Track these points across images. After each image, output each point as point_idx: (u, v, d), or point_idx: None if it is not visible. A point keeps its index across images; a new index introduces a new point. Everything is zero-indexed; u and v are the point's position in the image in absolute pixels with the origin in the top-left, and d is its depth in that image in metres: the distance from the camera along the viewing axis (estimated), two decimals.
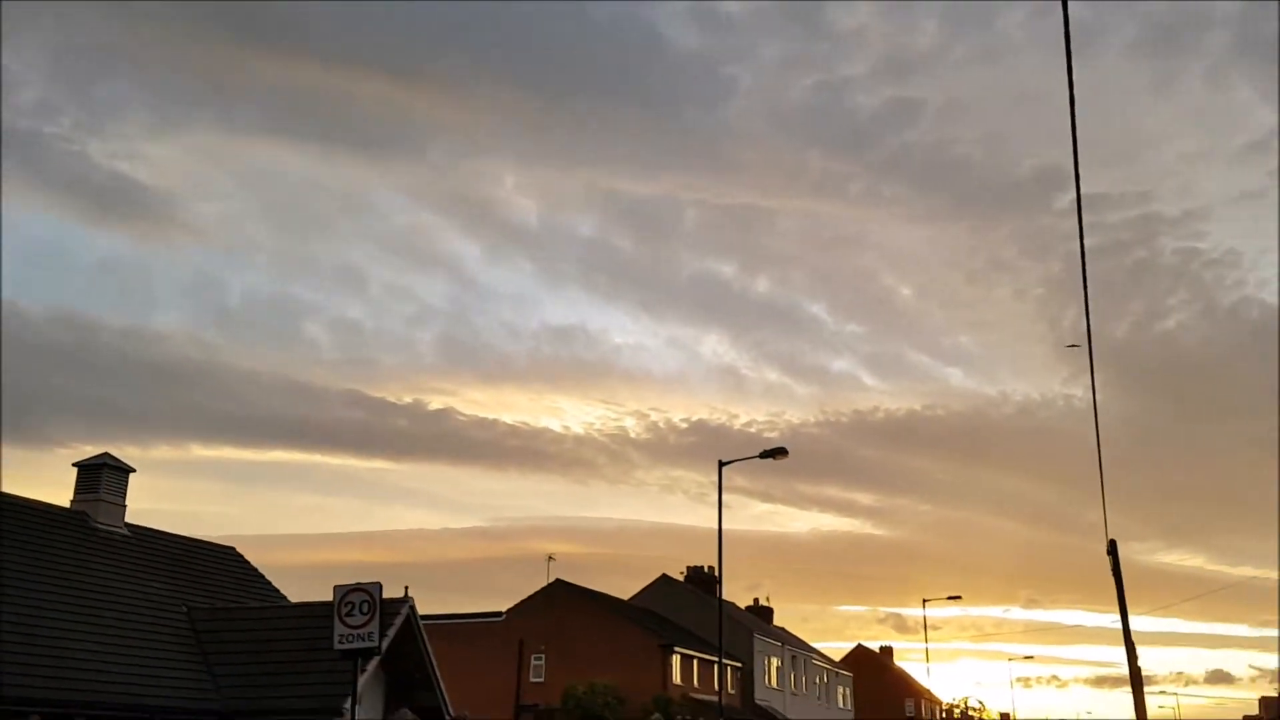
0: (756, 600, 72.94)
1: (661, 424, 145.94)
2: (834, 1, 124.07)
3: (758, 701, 56.65)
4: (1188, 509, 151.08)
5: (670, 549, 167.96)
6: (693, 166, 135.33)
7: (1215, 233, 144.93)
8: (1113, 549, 29.65)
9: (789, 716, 59.21)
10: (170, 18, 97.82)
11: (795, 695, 63.65)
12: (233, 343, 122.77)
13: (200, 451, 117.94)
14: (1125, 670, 30.26)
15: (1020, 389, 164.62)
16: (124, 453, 25.63)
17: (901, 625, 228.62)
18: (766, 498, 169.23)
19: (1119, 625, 30.34)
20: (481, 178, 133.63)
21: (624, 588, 60.39)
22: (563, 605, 49.87)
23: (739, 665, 55.93)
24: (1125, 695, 32.78)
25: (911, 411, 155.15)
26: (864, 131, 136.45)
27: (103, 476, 23.78)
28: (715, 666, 33.81)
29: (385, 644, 21.09)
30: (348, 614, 13.92)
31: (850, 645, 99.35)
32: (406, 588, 22.23)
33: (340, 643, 13.93)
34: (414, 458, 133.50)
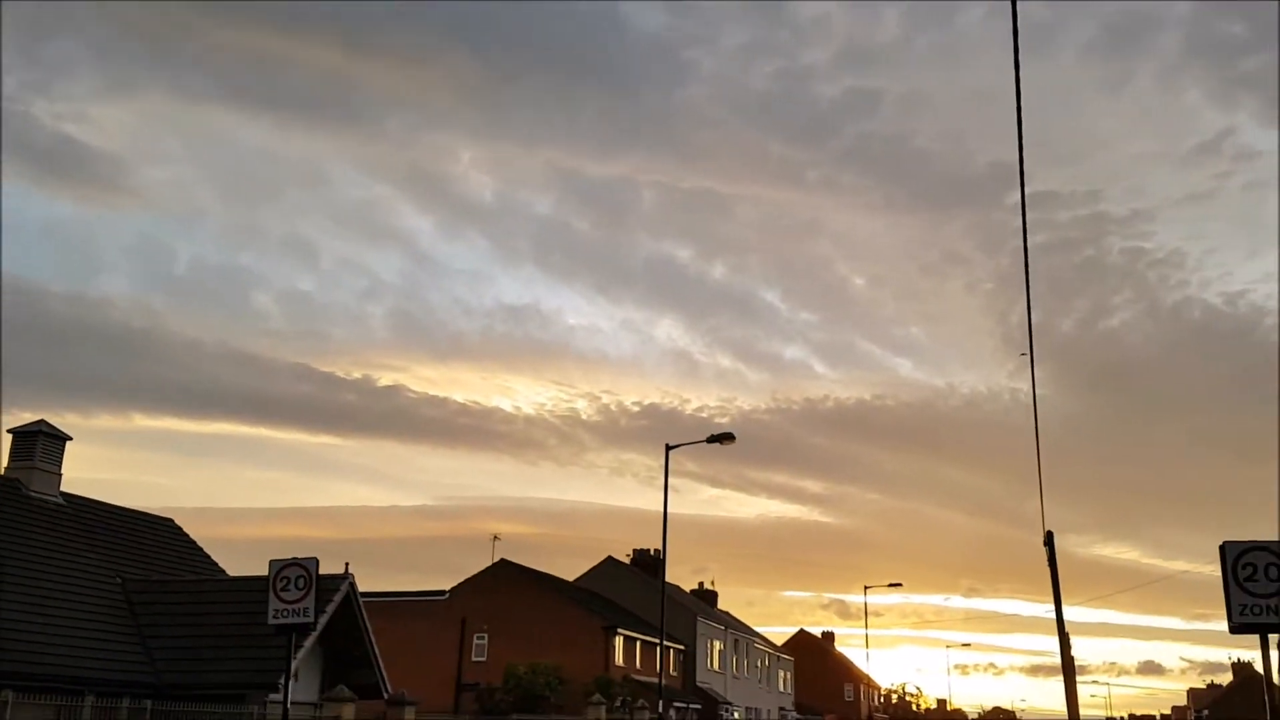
0: (702, 584, 73.43)
1: (613, 407, 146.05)
2: None
3: (699, 684, 57.10)
4: (1126, 503, 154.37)
5: (619, 532, 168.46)
6: (652, 149, 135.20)
7: (1161, 233, 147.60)
8: (1049, 540, 30.19)
9: (729, 699, 59.75)
10: None
11: (736, 678, 64.23)
12: (179, 311, 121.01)
13: (143, 421, 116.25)
14: (1060, 659, 30.88)
15: (968, 381, 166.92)
16: (64, 421, 25.26)
17: (845, 611, 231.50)
18: (716, 483, 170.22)
19: (1055, 615, 30.93)
20: (437, 152, 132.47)
21: (571, 569, 60.58)
22: (507, 585, 49.84)
23: (682, 648, 56.31)
24: (1060, 684, 33.46)
25: (861, 401, 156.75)
26: (824, 120, 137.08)
27: (38, 444, 23.36)
28: (657, 649, 33.98)
29: (323, 621, 20.98)
30: (283, 589, 13.81)
31: (794, 630, 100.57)
32: (347, 564, 22.14)
33: (275, 618, 13.82)
34: (362, 434, 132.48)
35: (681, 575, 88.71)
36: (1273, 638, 10.69)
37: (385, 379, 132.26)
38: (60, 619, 20.05)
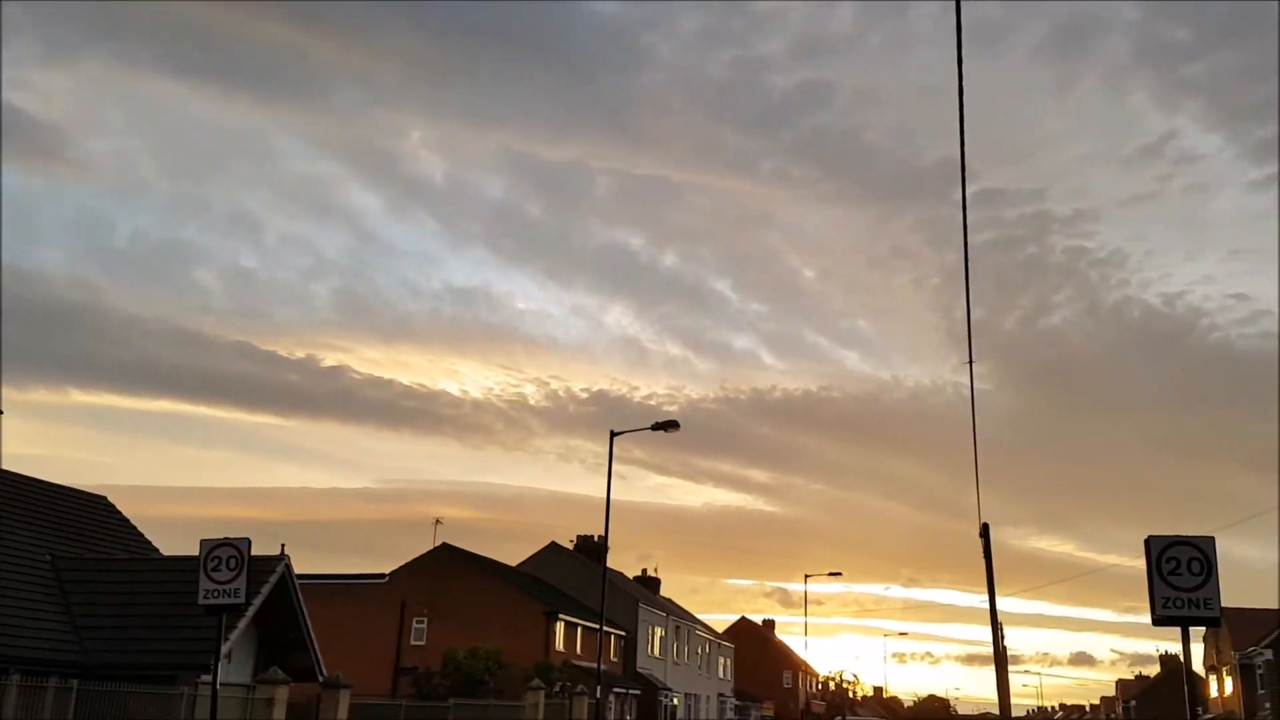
0: (645, 571, 73.66)
1: (562, 392, 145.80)
2: None
3: (639, 670, 57.33)
4: (1062, 497, 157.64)
5: (565, 518, 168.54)
6: (606, 134, 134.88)
7: (1103, 233, 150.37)
8: (985, 532, 30.64)
9: (669, 685, 60.07)
10: None
11: (677, 665, 64.58)
12: (118, 286, 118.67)
13: (79, 397, 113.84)
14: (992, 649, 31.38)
15: (913, 375, 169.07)
16: None
17: (787, 599, 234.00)
18: (662, 471, 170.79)
19: (989, 606, 31.41)
20: (386, 129, 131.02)
21: (516, 554, 60.47)
22: (447, 569, 49.59)
23: (623, 634, 56.46)
24: (993, 673, 34.10)
25: (808, 392, 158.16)
26: (777, 112, 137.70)
27: None
28: (598, 634, 34.03)
29: (257, 602, 20.74)
30: (214, 569, 13.59)
31: (736, 618, 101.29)
32: (283, 545, 21.90)
33: (205, 598, 13.61)
34: (304, 414, 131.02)
35: (626, 562, 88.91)
36: (1195, 630, 10.93)
37: (329, 359, 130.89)
38: None
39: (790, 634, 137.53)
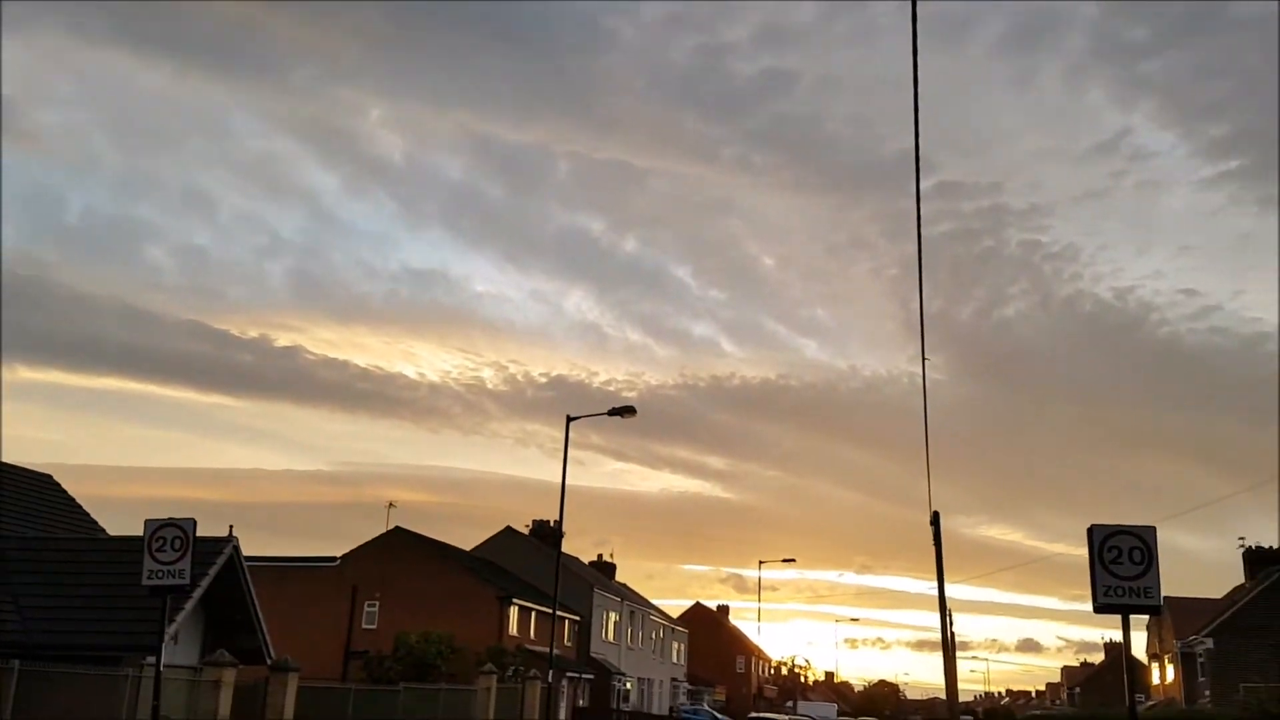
0: (601, 556, 73.77)
1: (520, 377, 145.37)
2: None
3: (593, 654, 57.46)
4: (1013, 487, 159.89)
5: (521, 502, 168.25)
6: (568, 117, 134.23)
7: (1058, 227, 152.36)
8: (935, 520, 31.00)
9: (622, 670, 60.28)
10: None
11: (631, 650, 64.81)
12: (68, 262, 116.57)
13: (26, 374, 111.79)
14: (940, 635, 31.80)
15: (869, 364, 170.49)
16: None
17: (742, 585, 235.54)
18: (620, 456, 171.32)
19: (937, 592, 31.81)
20: (344, 107, 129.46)
21: (471, 539, 60.28)
22: (400, 553, 49.35)
23: (577, 619, 56.54)
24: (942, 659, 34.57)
25: (766, 380, 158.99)
26: (740, 98, 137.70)
27: None
28: (552, 619, 34.05)
29: (205, 583, 20.50)
30: (158, 549, 13.39)
31: (691, 603, 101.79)
32: (231, 527, 21.66)
33: (149, 579, 13.41)
34: (257, 395, 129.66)
35: (582, 547, 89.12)
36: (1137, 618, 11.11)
37: (283, 339, 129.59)
38: None
39: (744, 620, 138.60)
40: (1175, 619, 55.34)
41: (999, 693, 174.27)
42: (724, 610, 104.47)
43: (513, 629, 47.92)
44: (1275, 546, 54.22)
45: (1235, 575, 56.88)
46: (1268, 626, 48.53)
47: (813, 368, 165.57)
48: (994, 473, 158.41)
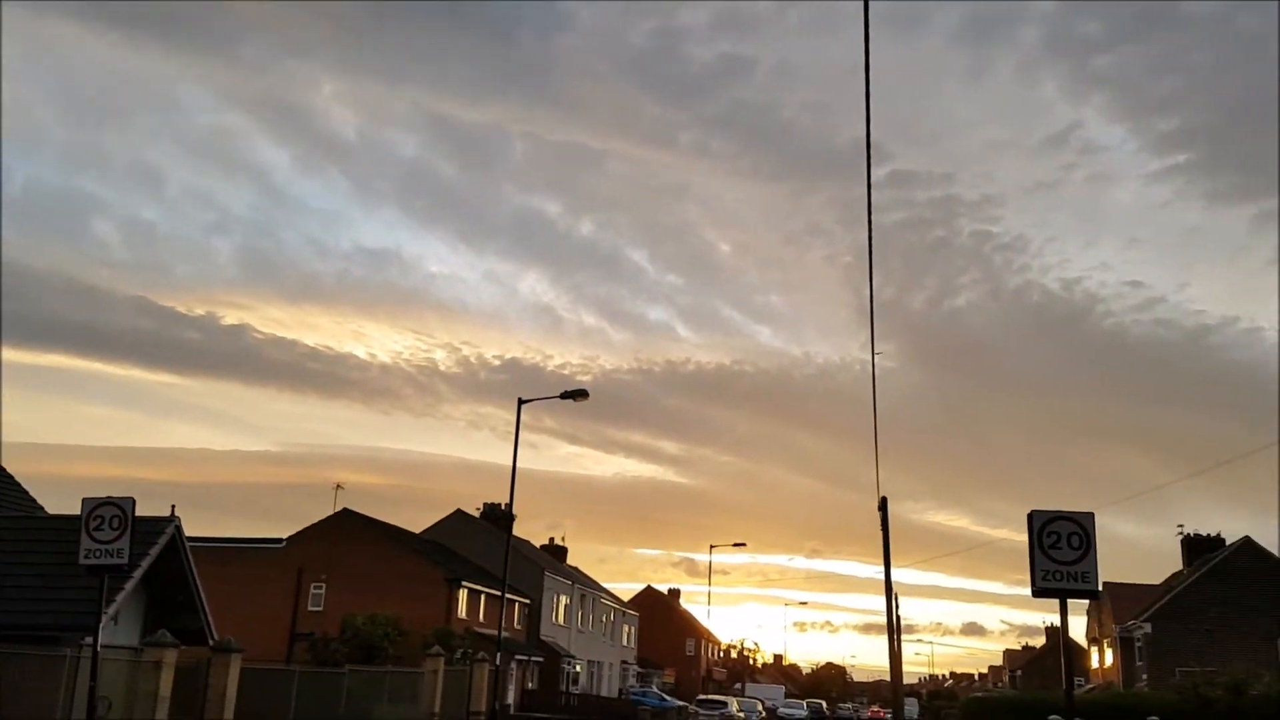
0: (552, 540, 73.75)
1: (473, 359, 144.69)
2: None
3: (543, 637, 57.49)
4: (960, 473, 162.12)
5: (473, 485, 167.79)
6: (525, 97, 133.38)
7: (1008, 218, 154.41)
8: (883, 505, 31.35)
9: (572, 652, 60.38)
10: None
11: (581, 632, 64.92)
12: (11, 236, 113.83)
13: None
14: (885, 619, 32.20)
15: (823, 351, 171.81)
16: None
17: (694, 569, 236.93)
18: (574, 440, 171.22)
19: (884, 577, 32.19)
20: (296, 82, 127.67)
21: (423, 522, 59.98)
22: (347, 534, 48.96)
23: (528, 602, 56.49)
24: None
25: (721, 366, 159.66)
26: (698, 83, 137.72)
27: None
28: (501, 601, 33.99)
29: (146, 563, 20.18)
30: (96, 528, 13.14)
31: (642, 587, 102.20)
32: (173, 507, 21.35)
33: (86, 558, 13.17)
34: (204, 374, 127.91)
35: (535, 531, 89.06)
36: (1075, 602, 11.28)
37: (231, 317, 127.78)
38: None
39: (695, 603, 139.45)
40: (1115, 604, 56.50)
41: (943, 675, 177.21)
42: (675, 594, 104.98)
43: (462, 612, 47.78)
44: (1213, 534, 55.51)
45: (1174, 562, 58.16)
46: (1204, 612, 49.72)
47: (767, 354, 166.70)
48: (942, 459, 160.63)
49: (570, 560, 74.34)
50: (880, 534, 31.56)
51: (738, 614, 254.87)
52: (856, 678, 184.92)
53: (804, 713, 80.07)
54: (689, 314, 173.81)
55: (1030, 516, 10.87)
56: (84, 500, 13.42)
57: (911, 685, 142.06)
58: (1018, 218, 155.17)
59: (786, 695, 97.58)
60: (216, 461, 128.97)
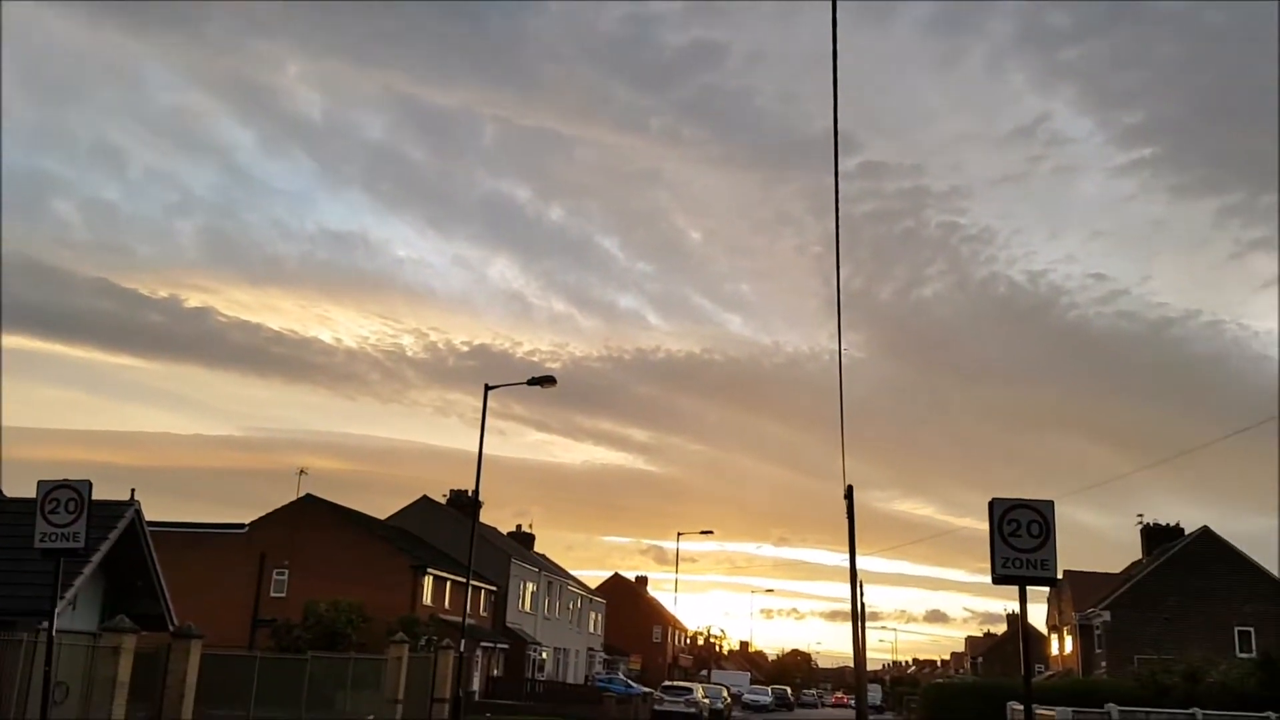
0: (519, 527, 73.64)
1: (441, 345, 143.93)
2: None
3: (509, 624, 57.43)
4: (926, 462, 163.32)
5: (440, 472, 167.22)
6: (495, 81, 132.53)
7: (975, 210, 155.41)
8: (849, 494, 31.51)
9: (538, 639, 60.36)
10: None
11: (547, 619, 64.89)
12: None
13: None
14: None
15: (791, 340, 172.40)
16: None
17: (662, 557, 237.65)
18: (543, 427, 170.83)
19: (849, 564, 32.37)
20: (262, 62, 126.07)
21: (389, 508, 59.61)
22: (311, 520, 48.60)
23: (494, 589, 56.39)
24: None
25: (691, 354, 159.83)
26: (669, 69, 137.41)
27: None
28: (466, 588, 33.88)
29: (105, 548, 19.97)
30: (51, 512, 12.93)
31: (610, 574, 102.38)
32: (133, 491, 21.09)
33: (41, 542, 12.96)
34: (166, 357, 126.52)
35: (503, 518, 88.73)
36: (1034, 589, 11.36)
37: (193, 300, 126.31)
38: None
39: (663, 590, 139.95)
40: (1075, 592, 57.21)
41: (906, 662, 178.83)
42: (642, 581, 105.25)
43: (427, 599, 47.62)
44: (1172, 524, 56.31)
45: (1133, 551, 58.98)
46: (1162, 601, 50.46)
47: (736, 343, 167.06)
48: (908, 449, 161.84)
49: (538, 547, 74.28)
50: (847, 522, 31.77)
51: (705, 601, 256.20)
52: (821, 664, 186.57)
53: (769, 699, 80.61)
54: (659, 301, 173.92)
55: (991, 505, 10.92)
56: (39, 483, 13.21)
57: (875, 672, 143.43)
58: (985, 209, 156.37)
59: (752, 682, 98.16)
60: (179, 446, 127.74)
